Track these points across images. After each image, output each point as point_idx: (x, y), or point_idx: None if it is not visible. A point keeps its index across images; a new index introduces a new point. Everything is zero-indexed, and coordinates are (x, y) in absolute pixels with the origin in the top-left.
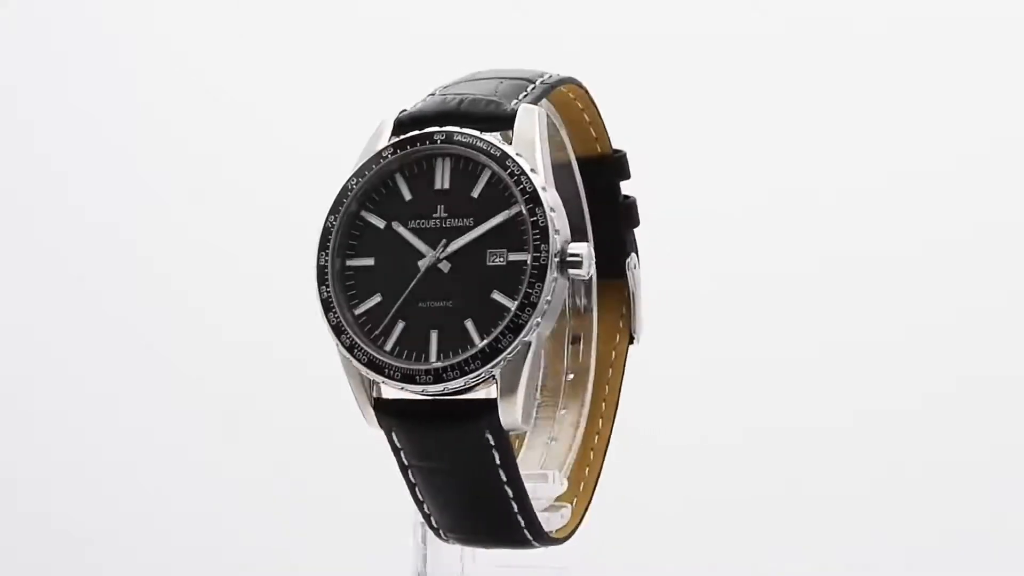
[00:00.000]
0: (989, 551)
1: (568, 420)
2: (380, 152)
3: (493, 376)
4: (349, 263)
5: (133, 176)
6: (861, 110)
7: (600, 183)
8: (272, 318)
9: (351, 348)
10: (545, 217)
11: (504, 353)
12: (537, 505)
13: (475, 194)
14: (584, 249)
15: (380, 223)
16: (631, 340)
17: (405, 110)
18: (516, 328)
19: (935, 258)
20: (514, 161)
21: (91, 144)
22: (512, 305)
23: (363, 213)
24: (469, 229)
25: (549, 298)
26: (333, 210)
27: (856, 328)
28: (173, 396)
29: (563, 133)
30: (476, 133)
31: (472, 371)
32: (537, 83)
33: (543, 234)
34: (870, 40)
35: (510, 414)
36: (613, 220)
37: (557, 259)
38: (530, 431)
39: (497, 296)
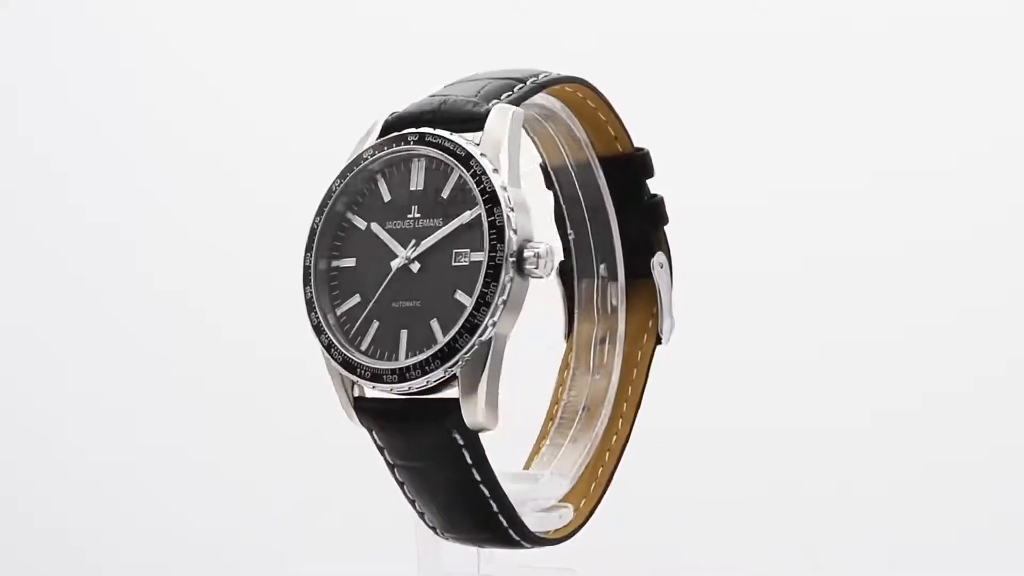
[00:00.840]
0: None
1: (589, 420)
2: (361, 154)
3: (456, 376)
4: (334, 264)
5: (133, 176)
6: (875, 107)
7: (624, 182)
8: (272, 318)
9: (328, 347)
10: (502, 217)
11: (461, 353)
12: (535, 505)
13: (445, 195)
14: (542, 248)
15: (362, 224)
16: (658, 341)
17: (396, 112)
18: (472, 328)
19: (964, 256)
20: (477, 161)
21: (91, 144)
22: (470, 305)
23: (348, 215)
24: (437, 229)
25: (504, 298)
26: (318, 211)
27: (874, 327)
28: (173, 396)
29: (581, 133)
30: (446, 134)
31: (432, 370)
32: (527, 82)
33: (499, 234)
34: (884, 35)
35: (472, 414)
36: (639, 219)
37: (513, 259)
38: (554, 430)
39: (459, 296)
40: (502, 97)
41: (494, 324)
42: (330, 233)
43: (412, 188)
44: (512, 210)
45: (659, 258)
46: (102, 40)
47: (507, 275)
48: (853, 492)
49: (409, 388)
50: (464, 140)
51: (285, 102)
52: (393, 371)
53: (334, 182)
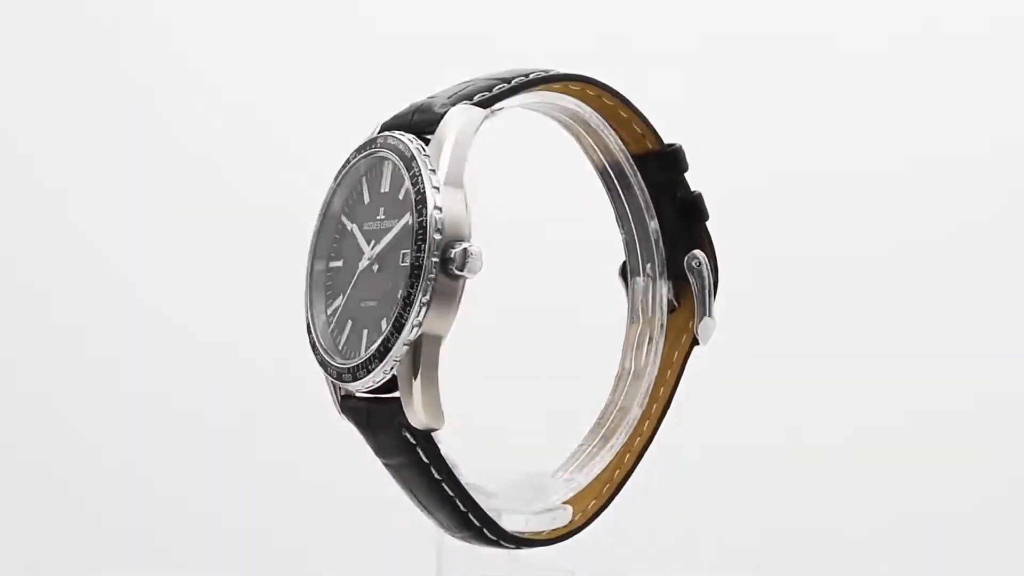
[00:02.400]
0: None
1: (620, 420)
2: (349, 157)
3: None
4: (331, 264)
5: (140, 177)
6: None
7: (658, 179)
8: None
9: (313, 347)
10: (427, 217)
11: (392, 352)
12: (542, 506)
13: (400, 196)
14: (467, 248)
15: (349, 225)
16: (696, 341)
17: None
18: (399, 327)
19: None
20: (417, 163)
21: (97, 145)
22: (398, 304)
23: (342, 216)
24: (390, 230)
25: (427, 298)
26: (319, 214)
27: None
28: (181, 399)
29: (611, 133)
30: (400, 136)
31: (373, 369)
32: (512, 82)
33: (424, 234)
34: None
35: (411, 414)
36: (676, 216)
37: (436, 259)
38: (590, 430)
39: (399, 295)
40: (475, 98)
41: (419, 324)
42: (328, 235)
43: (382, 190)
44: (439, 210)
45: (695, 256)
46: (103, 42)
47: (429, 275)
48: (857, 495)
49: (360, 386)
50: (413, 142)
51: (309, 103)
52: (348, 370)
53: (331, 185)
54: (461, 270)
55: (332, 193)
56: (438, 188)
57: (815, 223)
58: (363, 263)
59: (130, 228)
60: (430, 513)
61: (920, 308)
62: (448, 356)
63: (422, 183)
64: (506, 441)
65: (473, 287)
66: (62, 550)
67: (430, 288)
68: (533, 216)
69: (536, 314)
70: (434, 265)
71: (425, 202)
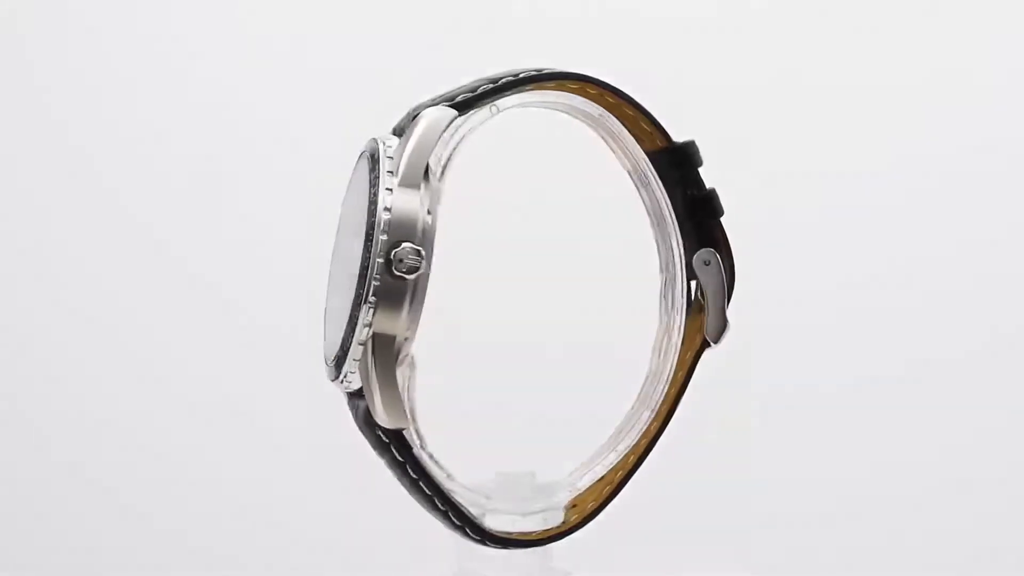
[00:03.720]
0: None
1: (637, 421)
2: (358, 159)
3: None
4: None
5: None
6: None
7: (671, 176)
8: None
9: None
10: (376, 218)
11: (350, 352)
12: (545, 505)
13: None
14: (409, 248)
15: (354, 226)
16: (707, 343)
17: None
18: (352, 327)
19: None
20: (379, 165)
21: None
22: (350, 304)
23: (351, 219)
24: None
25: (373, 298)
26: (340, 214)
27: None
28: (196, 402)
29: (624, 132)
30: (378, 138)
31: (342, 369)
32: (500, 82)
33: (372, 234)
34: None
35: (374, 413)
36: (689, 213)
37: (381, 259)
38: (615, 432)
39: (353, 295)
40: (457, 99)
41: (368, 324)
42: (343, 235)
43: (373, 191)
44: (388, 211)
45: (704, 254)
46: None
47: (375, 275)
48: (859, 496)
49: (339, 385)
50: (384, 143)
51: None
52: (330, 368)
53: (348, 184)
54: (403, 271)
55: (348, 193)
56: (391, 189)
57: (824, 222)
58: (352, 263)
59: (150, 231)
60: (428, 511)
61: (930, 308)
62: (462, 356)
63: (378, 184)
64: (523, 443)
65: (498, 289)
66: (61, 551)
67: (373, 288)
68: (570, 219)
69: (563, 315)
70: (379, 266)
71: (377, 203)
